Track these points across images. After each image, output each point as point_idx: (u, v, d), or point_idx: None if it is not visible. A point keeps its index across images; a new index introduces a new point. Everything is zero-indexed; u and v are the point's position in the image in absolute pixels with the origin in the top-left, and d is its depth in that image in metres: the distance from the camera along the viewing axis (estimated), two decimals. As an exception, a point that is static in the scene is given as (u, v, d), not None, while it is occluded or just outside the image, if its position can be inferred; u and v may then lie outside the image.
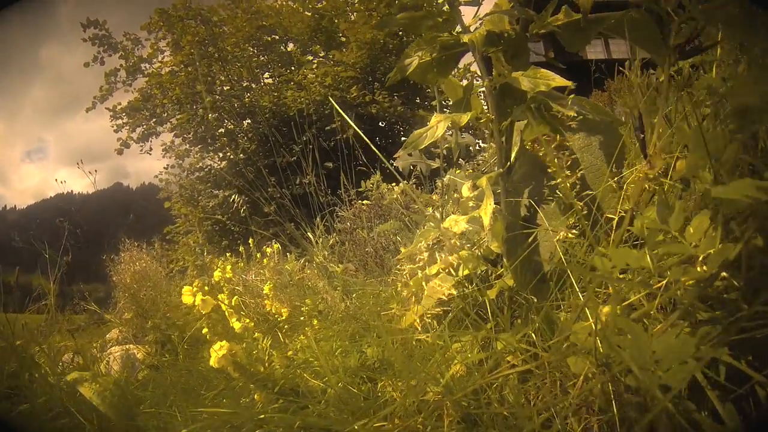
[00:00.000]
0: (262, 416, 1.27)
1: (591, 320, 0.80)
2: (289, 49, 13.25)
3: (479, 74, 1.39)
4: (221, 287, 2.41)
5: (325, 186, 4.46)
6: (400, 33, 11.31)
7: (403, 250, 1.52)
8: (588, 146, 1.37)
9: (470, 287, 1.41)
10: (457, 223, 1.28)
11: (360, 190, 4.05)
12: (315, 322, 1.99)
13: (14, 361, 1.95)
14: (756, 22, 0.99)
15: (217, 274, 2.56)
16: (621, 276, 0.82)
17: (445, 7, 1.38)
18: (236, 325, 1.93)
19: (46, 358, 2.43)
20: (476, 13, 1.40)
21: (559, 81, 1.21)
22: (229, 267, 2.76)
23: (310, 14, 13.01)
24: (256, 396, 1.53)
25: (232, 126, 12.24)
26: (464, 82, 1.52)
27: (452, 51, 1.43)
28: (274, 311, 2.23)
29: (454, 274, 1.32)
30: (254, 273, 3.53)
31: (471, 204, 1.40)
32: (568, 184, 1.10)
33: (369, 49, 11.78)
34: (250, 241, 4.39)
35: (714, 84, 1.03)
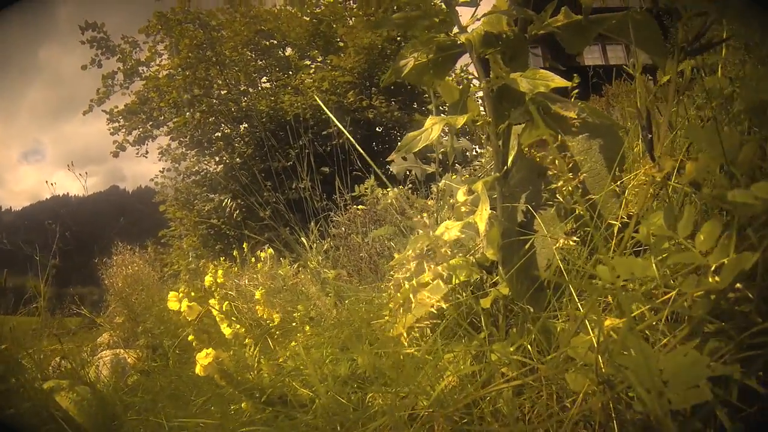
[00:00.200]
0: (244, 429, 1.22)
1: (592, 334, 0.75)
2: (287, 54, 13.24)
3: (477, 76, 1.35)
4: (212, 292, 2.36)
5: (320, 191, 4.42)
6: (398, 38, 11.30)
7: (396, 256, 1.48)
8: (588, 150, 1.33)
9: (464, 295, 1.37)
10: (448, 230, 1.23)
11: (354, 194, 4.02)
12: (307, 328, 1.95)
13: (1, 364, 1.92)
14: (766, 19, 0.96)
15: (208, 278, 2.51)
16: (624, 286, 0.78)
17: (442, 7, 1.35)
18: (227, 331, 1.88)
19: (33, 363, 2.39)
20: (474, 14, 1.36)
21: (558, 82, 1.17)
22: (220, 272, 2.71)
23: (308, 19, 12.99)
24: (243, 404, 1.48)
25: (228, 130, 12.20)
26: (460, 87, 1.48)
27: (449, 52, 1.40)
28: (266, 317, 2.19)
29: (443, 284, 1.27)
30: (248, 278, 3.49)
31: (465, 209, 1.36)
32: (570, 188, 1.06)
33: (367, 54, 11.76)
34: (244, 245, 4.35)
35: (720, 84, 0.99)
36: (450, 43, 1.37)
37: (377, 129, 12.01)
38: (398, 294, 1.17)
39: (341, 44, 12.78)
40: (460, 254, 1.40)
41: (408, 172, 2.28)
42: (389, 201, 2.80)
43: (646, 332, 0.79)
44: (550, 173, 1.15)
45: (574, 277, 1.05)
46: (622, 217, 1.03)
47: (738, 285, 0.72)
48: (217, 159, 12.65)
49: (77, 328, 4.75)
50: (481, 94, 1.34)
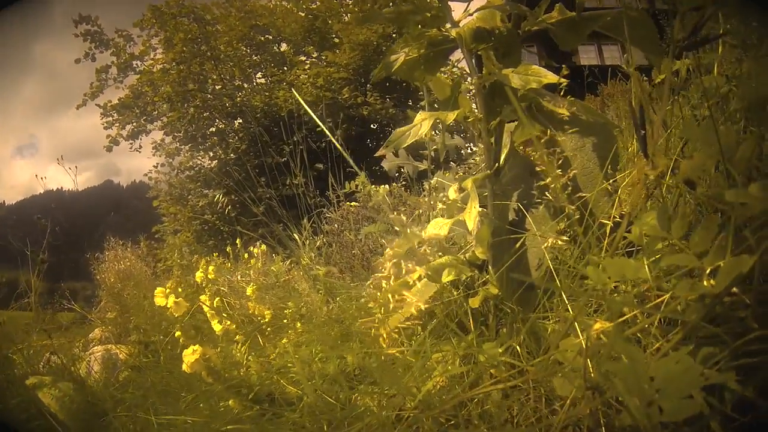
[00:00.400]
0: (231, 427, 1.20)
1: (581, 337, 0.73)
2: (282, 50, 13.20)
3: (468, 71, 1.34)
4: (203, 288, 2.34)
5: (313, 187, 4.40)
6: (394, 35, 11.27)
7: (386, 252, 1.46)
8: (581, 148, 1.32)
9: (455, 293, 1.35)
10: (438, 228, 1.21)
11: (345, 191, 4.00)
12: (298, 325, 1.93)
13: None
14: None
15: (198, 274, 2.50)
16: (615, 288, 0.76)
17: (435, 2, 1.33)
18: (217, 327, 1.86)
19: (23, 358, 2.37)
20: (466, 8, 1.34)
21: (550, 78, 1.16)
22: (211, 268, 2.69)
23: (303, 15, 12.96)
24: (230, 402, 1.47)
25: (223, 125, 12.16)
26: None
27: (440, 47, 1.38)
28: (257, 313, 2.18)
29: (429, 285, 1.25)
30: (240, 274, 3.47)
31: (457, 206, 1.34)
32: (559, 185, 1.04)
33: (362, 50, 11.74)
34: (238, 241, 4.32)
35: (717, 83, 0.97)
36: (442, 39, 1.36)
37: (372, 126, 11.99)
38: (378, 294, 1.14)
39: (336, 40, 12.75)
40: (450, 253, 1.39)
41: (400, 169, 2.26)
42: (380, 198, 2.78)
43: (638, 335, 0.77)
44: (538, 169, 1.13)
45: (564, 277, 1.03)
46: (614, 217, 1.01)
47: (734, 289, 0.69)
48: (211, 154, 12.61)
49: (69, 323, 4.72)
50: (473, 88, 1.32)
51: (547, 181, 1.12)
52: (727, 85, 1.05)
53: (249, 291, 2.37)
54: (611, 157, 1.24)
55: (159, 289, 1.60)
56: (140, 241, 6.79)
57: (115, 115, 12.66)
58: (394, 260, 1.10)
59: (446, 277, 1.26)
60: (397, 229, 1.09)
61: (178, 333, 1.55)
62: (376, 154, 1.44)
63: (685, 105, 1.17)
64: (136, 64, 12.63)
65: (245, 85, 12.68)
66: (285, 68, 12.56)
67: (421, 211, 1.80)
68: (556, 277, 1.02)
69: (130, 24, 12.45)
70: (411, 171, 2.12)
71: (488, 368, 0.97)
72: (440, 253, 1.36)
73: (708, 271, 0.69)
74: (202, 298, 1.85)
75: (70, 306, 4.44)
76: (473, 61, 1.32)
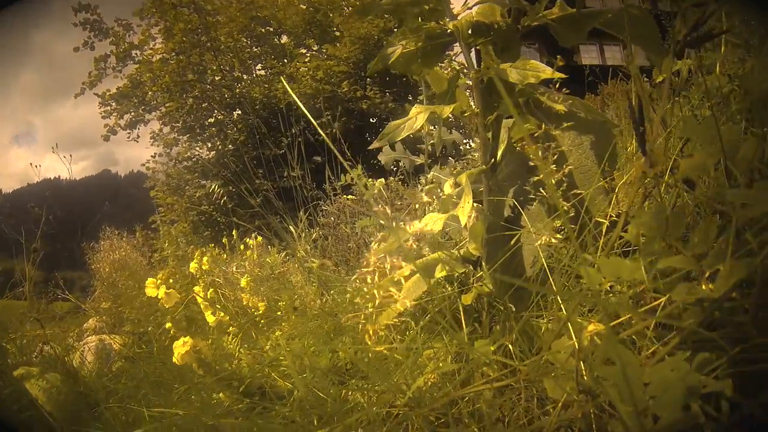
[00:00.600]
0: (221, 421, 1.19)
1: (573, 338, 0.71)
2: (282, 42, 13.15)
3: (467, 66, 1.32)
4: (198, 279, 2.33)
5: (310, 180, 4.39)
6: (395, 29, 11.23)
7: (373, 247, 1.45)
8: (578, 146, 1.31)
9: (449, 289, 1.34)
10: (428, 223, 1.19)
11: (341, 183, 3.98)
12: (293, 317, 1.92)
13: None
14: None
15: (193, 265, 2.49)
16: (610, 289, 0.74)
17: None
18: (210, 319, 1.85)
19: (16, 348, 2.36)
20: (465, 2, 1.33)
21: (549, 73, 1.15)
22: (206, 258, 2.68)
23: (305, 7, 12.90)
24: (221, 395, 1.46)
25: (221, 116, 12.12)
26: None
27: (438, 41, 1.36)
28: (251, 305, 2.17)
29: (421, 282, 1.23)
30: (236, 265, 3.46)
31: (452, 201, 1.33)
32: (552, 181, 1.02)
33: (363, 44, 11.71)
34: (234, 232, 4.32)
35: (719, 83, 0.95)
36: (440, 32, 1.34)
37: (371, 120, 11.96)
38: (364, 289, 1.13)
39: (337, 34, 12.71)
40: (445, 248, 1.37)
41: (397, 163, 2.24)
42: (375, 191, 2.76)
43: (633, 337, 0.75)
44: (532, 164, 1.11)
45: (558, 276, 1.02)
46: (611, 216, 1.00)
47: (733, 294, 0.67)
48: (209, 145, 12.58)
49: (64, 313, 4.71)
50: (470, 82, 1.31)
51: (541, 176, 1.10)
52: (730, 84, 1.04)
53: (243, 282, 2.36)
54: (609, 155, 1.23)
55: (150, 280, 1.58)
56: (136, 231, 6.78)
57: (114, 104, 12.62)
58: (380, 255, 1.08)
59: (438, 273, 1.25)
60: (382, 222, 1.07)
61: (168, 324, 1.54)
62: (370, 147, 1.42)
63: (685, 105, 1.16)
64: (135, 53, 12.59)
65: (245, 77, 12.64)
66: (285, 60, 12.51)
67: (417, 206, 1.78)
68: (550, 276, 1.00)
69: (129, 13, 12.39)
70: (408, 165, 2.11)
71: (480, 366, 0.96)
72: (428, 249, 1.35)
73: (707, 275, 0.66)
74: (196, 289, 1.84)
75: (65, 296, 4.43)
76: (471, 55, 1.31)
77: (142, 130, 12.83)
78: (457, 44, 1.36)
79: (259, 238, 3.87)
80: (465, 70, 1.38)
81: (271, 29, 12.99)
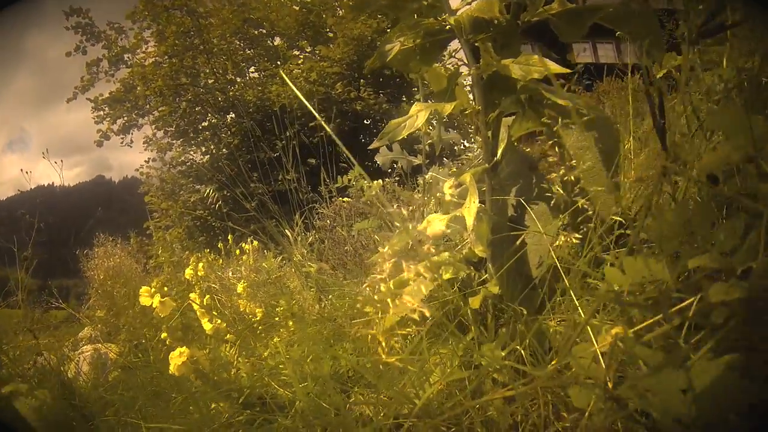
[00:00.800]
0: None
1: (594, 342, 0.68)
2: (275, 44, 13.11)
3: (466, 62, 1.29)
4: (194, 285, 2.30)
5: (306, 182, 4.35)
6: (388, 30, 11.20)
7: (381, 250, 1.41)
8: (582, 144, 1.28)
9: (451, 292, 1.30)
10: (433, 224, 1.15)
11: (337, 185, 3.95)
12: (290, 323, 1.89)
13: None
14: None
15: (188, 271, 2.45)
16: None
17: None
18: (207, 326, 1.82)
19: (8, 359, 2.33)
20: (463, -3, 1.30)
21: (554, 68, 1.12)
22: (201, 264, 2.64)
23: (297, 9, 12.86)
24: (221, 406, 1.42)
25: (215, 120, 12.07)
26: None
27: (437, 37, 1.33)
28: (248, 311, 2.13)
29: (426, 285, 1.19)
30: (232, 270, 3.42)
31: (453, 202, 1.29)
32: (572, 178, 0.99)
33: (356, 45, 11.67)
34: (229, 237, 4.28)
35: (728, 76, 0.92)
36: (438, 28, 1.31)
37: (365, 121, 11.93)
38: (375, 296, 1.08)
39: (330, 35, 12.68)
40: (445, 250, 1.34)
41: (393, 164, 2.21)
42: (373, 193, 2.73)
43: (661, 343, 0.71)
44: (550, 159, 1.08)
45: (568, 277, 0.99)
46: (623, 213, 0.96)
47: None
48: (203, 149, 12.51)
49: (59, 322, 4.66)
50: (470, 81, 1.27)
51: (561, 172, 1.06)
52: (738, 77, 1.01)
53: (240, 288, 2.33)
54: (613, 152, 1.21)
55: (144, 288, 1.54)
56: (130, 237, 6.73)
57: (106, 109, 12.53)
58: (393, 259, 1.04)
59: (444, 276, 1.22)
60: (397, 224, 1.03)
61: (164, 334, 1.50)
62: (370, 147, 1.39)
63: (689, 100, 1.13)
64: (128, 57, 12.52)
65: (238, 80, 12.59)
66: (278, 62, 12.47)
67: (414, 208, 1.75)
68: (564, 277, 0.97)
69: (121, 17, 12.33)
70: (405, 166, 2.07)
71: (491, 373, 0.92)
72: (443, 249, 1.31)
73: (739, 273, 0.63)
74: (192, 295, 1.81)
75: (58, 304, 4.38)
76: (471, 51, 1.28)
77: (135, 134, 12.76)
78: (452, 42, 1.34)
79: (255, 243, 3.83)
80: (464, 67, 1.35)
81: (264, 31, 12.96)
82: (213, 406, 1.48)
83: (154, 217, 12.13)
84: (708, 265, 0.63)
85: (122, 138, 12.68)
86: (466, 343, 1.06)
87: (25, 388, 1.45)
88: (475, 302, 1.17)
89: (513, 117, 1.36)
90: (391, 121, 1.28)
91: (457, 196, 1.28)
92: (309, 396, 1.22)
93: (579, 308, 0.87)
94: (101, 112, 12.54)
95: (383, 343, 1.02)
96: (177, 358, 1.35)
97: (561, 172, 1.06)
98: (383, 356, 0.96)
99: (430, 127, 1.83)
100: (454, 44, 1.36)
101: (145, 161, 12.79)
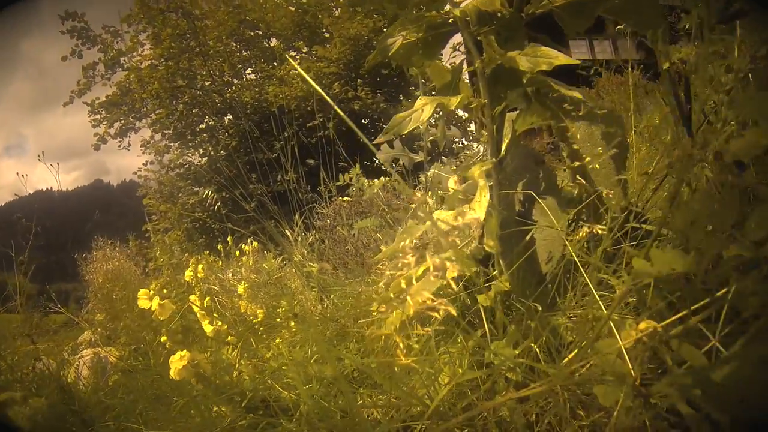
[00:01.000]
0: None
1: (618, 338, 0.65)
2: (272, 45, 13.09)
3: (468, 57, 1.27)
4: (194, 288, 2.28)
5: (305, 183, 4.34)
6: (384, 29, 11.17)
7: (383, 248, 1.38)
8: (590, 137, 1.25)
9: (459, 288, 1.28)
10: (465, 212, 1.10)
11: (338, 183, 3.93)
12: (293, 324, 1.86)
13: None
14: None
15: (188, 273, 2.43)
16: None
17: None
18: (208, 329, 1.79)
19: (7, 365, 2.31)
20: (466, -11, 1.27)
21: (563, 59, 1.09)
22: (201, 266, 2.62)
23: (293, 9, 12.84)
24: (222, 409, 1.39)
25: (212, 122, 12.05)
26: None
27: (440, 31, 1.30)
28: (249, 312, 2.11)
29: (437, 279, 1.15)
30: (232, 272, 3.40)
31: (459, 198, 1.26)
32: (597, 166, 0.96)
33: (353, 45, 11.65)
34: (229, 239, 4.27)
35: (738, 65, 0.90)
36: (441, 21, 1.28)
37: (363, 121, 11.91)
38: (390, 293, 1.05)
39: (327, 35, 12.65)
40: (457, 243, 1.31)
41: (394, 162, 2.19)
42: (375, 191, 2.71)
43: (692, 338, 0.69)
44: (564, 153, 1.05)
45: (593, 271, 0.96)
46: (634, 205, 0.94)
47: None
48: (201, 151, 12.49)
49: (58, 326, 4.64)
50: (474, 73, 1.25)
51: (586, 160, 1.03)
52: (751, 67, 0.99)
53: (241, 289, 2.30)
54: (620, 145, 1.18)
55: (143, 291, 1.52)
56: (129, 240, 6.70)
57: (103, 112, 12.51)
58: (416, 251, 0.99)
59: (450, 273, 1.19)
60: (420, 214, 0.99)
61: (164, 337, 1.47)
62: (374, 141, 1.36)
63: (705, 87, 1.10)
64: (124, 60, 12.49)
65: (235, 81, 12.56)
66: (275, 63, 12.44)
67: (415, 205, 1.72)
68: (584, 272, 0.94)
69: (117, 20, 12.29)
70: (407, 163, 2.05)
71: (504, 371, 0.89)
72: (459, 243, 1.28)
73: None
74: (192, 298, 1.78)
75: (57, 308, 4.36)
76: (474, 44, 1.25)
77: (132, 138, 12.73)
78: (454, 37, 1.32)
79: (255, 244, 3.82)
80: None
81: (260, 32, 12.93)
82: (215, 409, 1.45)
83: (153, 220, 12.11)
84: (740, 254, 0.60)
85: (120, 141, 12.66)
86: (477, 340, 1.03)
87: (19, 396, 1.42)
88: (485, 299, 1.14)
89: (516, 112, 1.34)
90: (395, 115, 1.25)
91: (463, 192, 1.26)
92: (314, 398, 1.19)
93: (600, 303, 0.84)
94: (98, 116, 12.53)
95: (401, 345, 0.98)
96: (177, 361, 1.32)
97: (576, 164, 1.03)
98: (402, 358, 0.92)
99: (433, 123, 1.80)
100: (456, 38, 1.34)
101: (143, 164, 12.78)
